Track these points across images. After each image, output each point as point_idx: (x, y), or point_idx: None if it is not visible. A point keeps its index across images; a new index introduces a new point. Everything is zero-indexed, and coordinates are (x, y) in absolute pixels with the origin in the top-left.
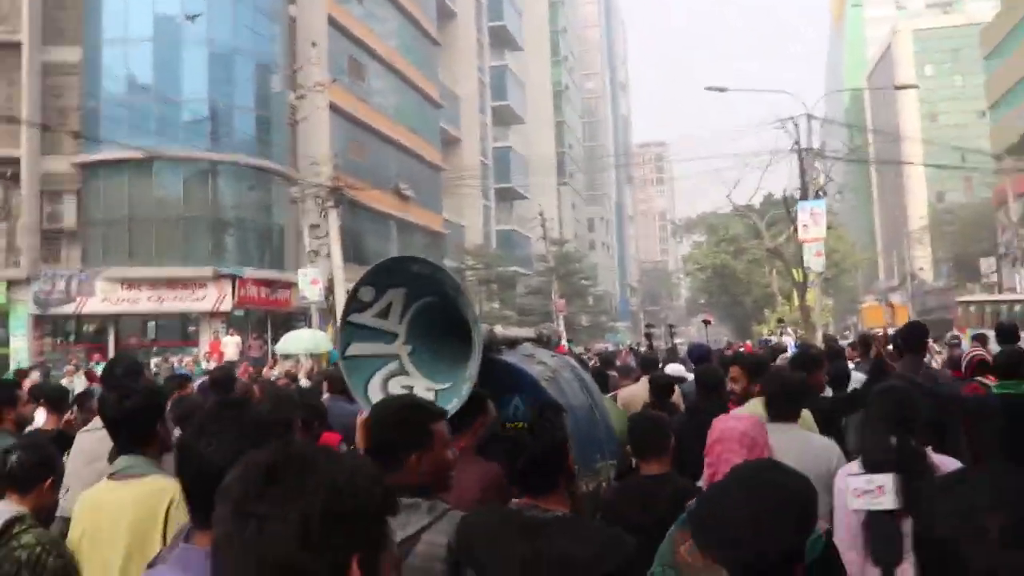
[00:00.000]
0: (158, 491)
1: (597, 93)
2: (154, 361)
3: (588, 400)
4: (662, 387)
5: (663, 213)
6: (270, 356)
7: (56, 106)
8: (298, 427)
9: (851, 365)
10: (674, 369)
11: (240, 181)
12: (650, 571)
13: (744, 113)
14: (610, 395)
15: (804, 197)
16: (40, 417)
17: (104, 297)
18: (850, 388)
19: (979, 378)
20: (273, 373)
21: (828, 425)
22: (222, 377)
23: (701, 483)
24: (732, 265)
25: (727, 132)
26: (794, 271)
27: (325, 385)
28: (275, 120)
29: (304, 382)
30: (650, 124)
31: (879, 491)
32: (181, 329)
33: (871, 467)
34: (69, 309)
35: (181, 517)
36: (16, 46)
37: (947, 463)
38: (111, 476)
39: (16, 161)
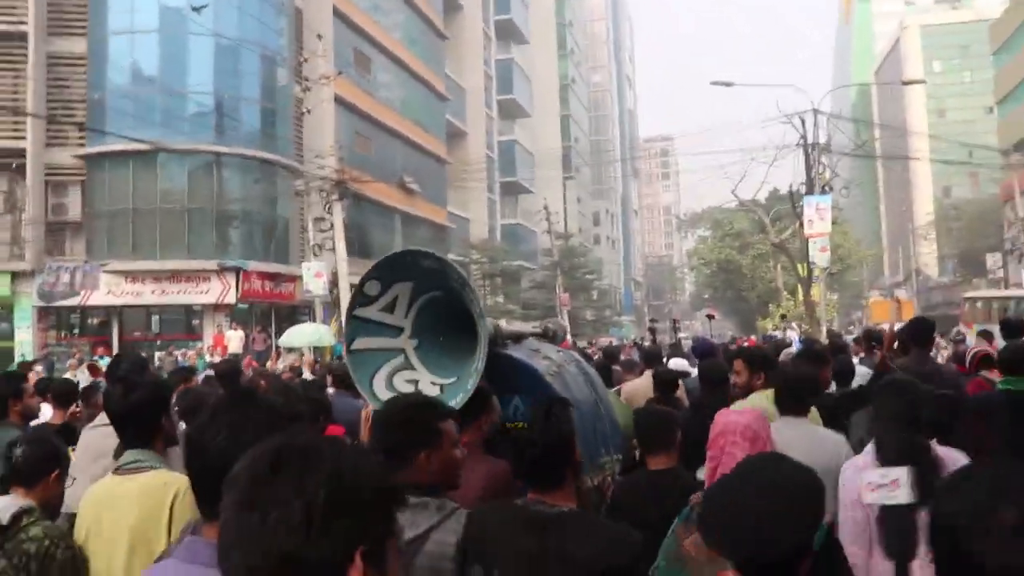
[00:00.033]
0: (162, 485)
1: (603, 87)
2: (158, 355)
3: (593, 395)
4: (667, 382)
5: (668, 208)
6: (274, 349)
7: (61, 97)
8: (305, 420)
9: (855, 360)
10: (677, 364)
11: (245, 174)
12: (654, 565)
13: (750, 109)
14: (613, 390)
15: (810, 192)
16: (46, 412)
17: (108, 290)
18: (855, 384)
19: (984, 373)
20: (278, 367)
21: (833, 421)
22: (228, 370)
23: (702, 476)
24: (737, 260)
25: (733, 127)
26: (799, 266)
27: (329, 380)
28: (280, 112)
29: (307, 375)
30: (656, 119)
31: (894, 484)
32: (185, 322)
33: (886, 461)
34: (73, 302)
35: (186, 511)
36: (22, 36)
37: (951, 456)
38: (116, 470)
39: (22, 153)
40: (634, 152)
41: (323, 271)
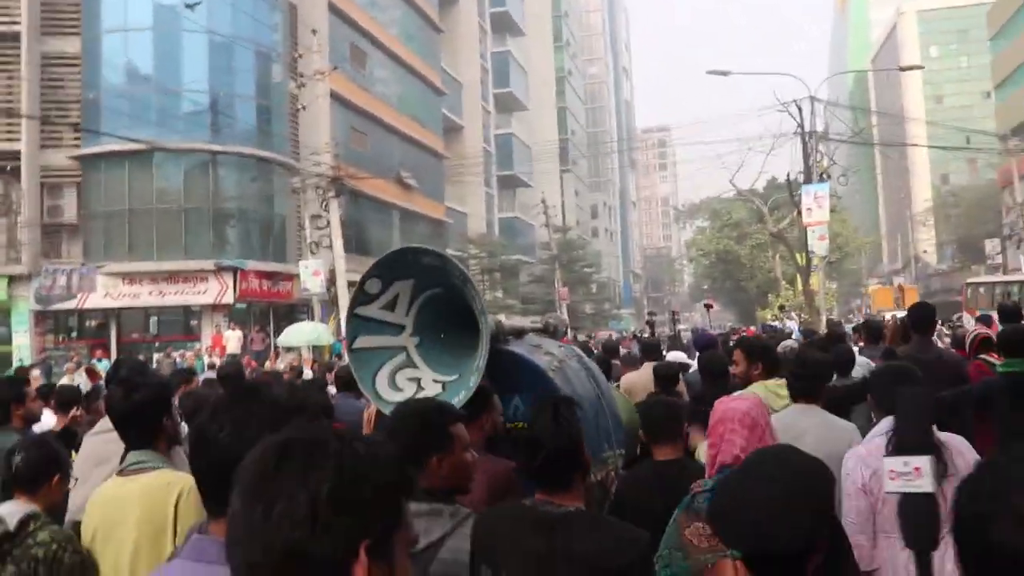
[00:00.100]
0: (166, 484)
1: (600, 78)
2: (156, 356)
3: (595, 390)
4: (667, 377)
5: (666, 199)
6: (272, 349)
7: (55, 98)
8: (309, 414)
9: (855, 349)
10: (675, 357)
11: (241, 172)
12: (657, 554)
13: (747, 98)
14: (613, 385)
15: (808, 181)
16: (49, 419)
17: (106, 292)
18: (855, 373)
19: (983, 356)
20: (277, 366)
21: (837, 413)
22: (232, 372)
23: (702, 459)
24: (735, 250)
25: (730, 116)
26: (798, 255)
27: (332, 379)
28: (276, 109)
29: (308, 373)
30: (653, 110)
31: (916, 473)
32: (183, 323)
33: (902, 450)
34: (70, 304)
35: (190, 510)
36: (15, 37)
37: (954, 442)
38: (120, 472)
39: (16, 155)
40: (631, 143)
41: (321, 269)
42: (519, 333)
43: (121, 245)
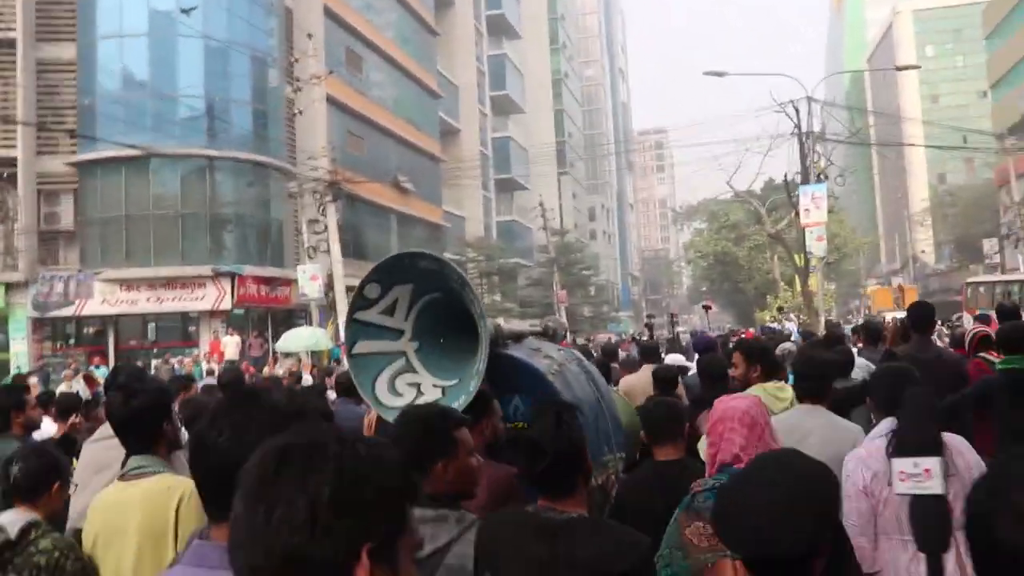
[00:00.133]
0: (166, 489)
1: (596, 80)
2: (154, 362)
3: (595, 393)
4: (666, 380)
5: (664, 201)
6: (271, 354)
7: (51, 104)
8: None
9: (854, 350)
10: (674, 359)
11: (238, 177)
12: (658, 554)
13: (744, 100)
14: (613, 387)
15: (805, 181)
16: (48, 426)
17: (103, 298)
18: (854, 375)
19: (983, 354)
20: (276, 371)
21: (836, 414)
22: (233, 379)
23: (703, 454)
24: (733, 252)
25: (727, 118)
26: (796, 256)
27: (331, 384)
28: (272, 114)
29: (307, 379)
30: (649, 112)
31: (927, 474)
32: (181, 329)
33: (905, 452)
34: (68, 312)
35: (192, 514)
36: (10, 43)
37: (954, 442)
38: (121, 477)
39: (13, 162)
40: (628, 146)
41: (318, 274)
42: (518, 337)
43: (118, 251)
